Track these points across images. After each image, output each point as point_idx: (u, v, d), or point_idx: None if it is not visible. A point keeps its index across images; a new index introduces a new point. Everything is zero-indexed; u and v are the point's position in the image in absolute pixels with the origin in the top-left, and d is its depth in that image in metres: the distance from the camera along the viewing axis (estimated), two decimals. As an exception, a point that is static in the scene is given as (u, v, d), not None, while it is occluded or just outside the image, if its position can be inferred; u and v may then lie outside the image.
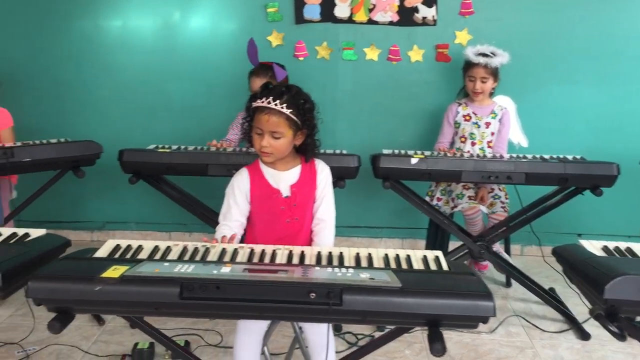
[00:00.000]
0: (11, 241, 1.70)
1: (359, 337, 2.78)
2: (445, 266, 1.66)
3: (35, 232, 1.76)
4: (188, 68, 3.78)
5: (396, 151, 2.97)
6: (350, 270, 1.56)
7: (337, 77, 3.74)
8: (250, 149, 2.28)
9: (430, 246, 3.41)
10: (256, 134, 2.03)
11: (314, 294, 1.43)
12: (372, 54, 3.70)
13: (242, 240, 2.13)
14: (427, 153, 2.94)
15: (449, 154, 2.93)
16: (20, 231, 1.76)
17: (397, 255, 1.73)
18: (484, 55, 3.22)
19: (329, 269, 1.56)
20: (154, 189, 3.06)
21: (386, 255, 1.74)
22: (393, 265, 1.68)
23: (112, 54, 3.77)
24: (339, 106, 3.76)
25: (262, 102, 1.99)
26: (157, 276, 1.48)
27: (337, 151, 2.93)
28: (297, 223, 2.09)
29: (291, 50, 3.72)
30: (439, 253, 1.75)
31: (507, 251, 3.42)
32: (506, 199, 3.24)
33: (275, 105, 1.96)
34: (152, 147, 3.01)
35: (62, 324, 1.49)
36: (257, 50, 3.24)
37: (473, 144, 3.32)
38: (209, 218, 3.18)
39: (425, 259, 1.71)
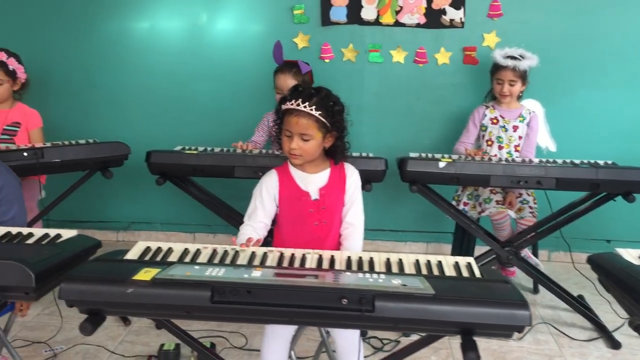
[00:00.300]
0: (43, 242, 1.71)
1: (385, 342, 2.75)
2: (477, 273, 1.63)
3: (67, 233, 1.77)
4: (214, 69, 3.79)
5: (423, 154, 2.95)
6: (382, 276, 1.54)
7: (362, 80, 3.72)
8: (279, 152, 2.27)
9: (456, 251, 3.37)
10: (285, 136, 2.02)
11: (345, 300, 1.41)
12: (398, 56, 3.68)
13: (269, 243, 2.13)
14: (455, 157, 2.90)
15: (477, 158, 2.90)
16: (52, 232, 1.77)
17: (429, 261, 1.71)
18: (513, 57, 3.18)
19: (360, 275, 1.55)
20: (178, 190, 3.07)
21: (417, 261, 1.72)
22: (424, 271, 1.66)
23: (139, 56, 3.80)
24: (364, 109, 3.74)
25: (292, 104, 1.98)
26: (188, 279, 1.48)
27: (364, 154, 2.91)
28: (325, 226, 2.08)
29: (317, 52, 3.71)
30: (471, 259, 1.72)
31: (535, 256, 3.36)
32: (534, 203, 3.19)
33: (305, 107, 1.95)
34: (178, 148, 3.02)
35: (93, 326, 1.49)
36: (282, 52, 3.23)
37: (500, 147, 3.28)
38: (233, 219, 3.18)
39: (457, 266, 1.69)
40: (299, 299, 1.44)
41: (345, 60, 3.71)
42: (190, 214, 4.01)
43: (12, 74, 3.14)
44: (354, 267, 1.69)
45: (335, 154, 2.11)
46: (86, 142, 2.94)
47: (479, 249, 3.54)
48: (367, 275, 1.54)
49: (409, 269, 1.68)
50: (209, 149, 2.99)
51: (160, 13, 3.75)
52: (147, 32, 3.78)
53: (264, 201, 2.11)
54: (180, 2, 3.72)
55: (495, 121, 3.29)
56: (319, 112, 1.98)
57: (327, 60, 3.71)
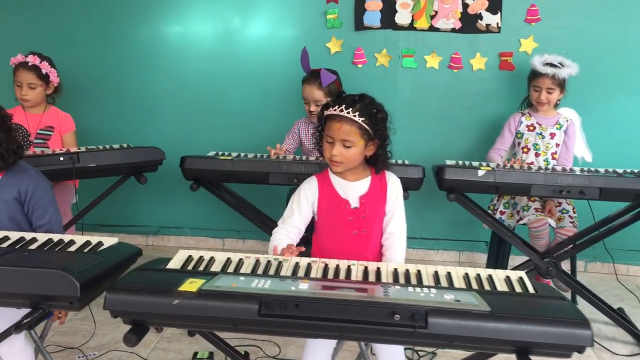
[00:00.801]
0: (85, 250, 1.68)
1: (421, 354, 2.69)
2: (531, 288, 1.57)
3: (108, 241, 1.75)
4: (246, 74, 3.76)
5: (460, 162, 2.89)
6: (433, 290, 1.49)
7: (396, 85, 3.67)
8: (320, 159, 2.23)
9: (492, 261, 3.30)
10: (327, 143, 1.99)
11: (398, 316, 1.37)
12: (432, 61, 3.62)
13: (308, 253, 2.09)
14: (493, 165, 2.84)
15: (515, 166, 2.83)
16: (94, 239, 1.74)
17: (479, 275, 1.66)
18: (552, 65, 3.10)
19: (410, 289, 1.50)
20: (208, 194, 3.03)
21: (466, 274, 1.67)
22: (475, 285, 1.61)
23: (171, 60, 3.79)
24: (396, 115, 3.63)
25: (334, 110, 1.95)
26: (235, 291, 1.44)
27: (400, 161, 2.87)
28: (365, 236, 2.04)
29: (350, 57, 3.67)
30: (522, 274, 1.66)
31: (573, 268, 3.27)
32: (574, 213, 3.11)
33: (348, 113, 1.93)
34: (211, 153, 3.00)
35: (138, 337, 1.46)
36: (309, 59, 3.19)
37: (537, 154, 3.21)
38: (266, 225, 3.15)
39: (508, 280, 1.63)
40: (349, 313, 1.39)
41: (378, 65, 3.67)
42: (219, 219, 3.99)
43: (44, 78, 3.15)
44: (402, 280, 1.64)
45: (376, 163, 2.07)
46: (120, 147, 2.92)
47: (513, 259, 3.48)
48: (417, 289, 1.50)
49: (458, 282, 1.62)
50: (242, 154, 2.97)
51: (192, 18, 3.74)
52: (180, 37, 3.77)
53: (301, 206, 2.08)
54: (212, 7, 3.71)
55: (531, 128, 3.22)
56: (362, 119, 1.94)
57: (359, 66, 3.67)
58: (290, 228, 2.05)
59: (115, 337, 2.81)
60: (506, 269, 3.33)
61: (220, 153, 2.99)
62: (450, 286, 1.59)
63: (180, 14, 3.73)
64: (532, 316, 1.36)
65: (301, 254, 1.80)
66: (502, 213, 3.16)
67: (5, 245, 1.70)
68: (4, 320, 1.80)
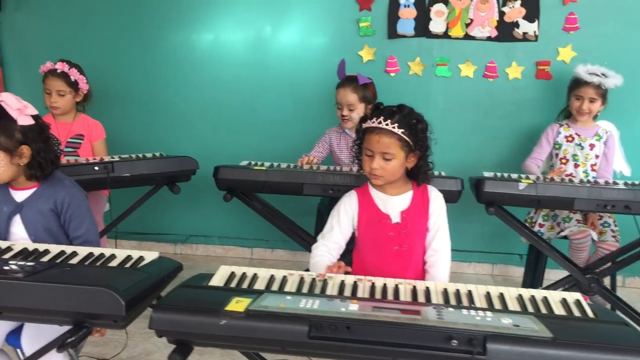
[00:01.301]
0: (126, 265, 1.65)
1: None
2: (589, 312, 1.50)
3: (149, 255, 1.70)
4: (277, 82, 3.73)
5: (498, 174, 2.82)
6: (489, 313, 1.43)
7: (429, 94, 3.61)
8: (360, 172, 2.18)
9: (529, 276, 3.21)
10: (366, 156, 1.95)
11: (456, 342, 1.31)
12: (467, 70, 3.56)
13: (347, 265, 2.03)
14: (533, 177, 2.76)
15: (556, 178, 2.75)
16: (135, 254, 1.71)
17: (533, 297, 1.59)
18: (596, 74, 3.02)
19: (464, 311, 1.44)
20: (236, 203, 2.98)
21: (520, 296, 1.60)
22: (530, 308, 1.54)
23: (202, 68, 3.77)
24: (429, 124, 3.61)
25: (373, 122, 1.91)
26: (283, 312, 1.39)
27: (436, 172, 2.80)
28: (406, 252, 1.98)
29: (382, 65, 3.62)
30: (579, 296, 1.59)
31: (613, 283, 3.18)
32: (615, 226, 3.03)
33: (387, 125, 1.88)
34: (244, 163, 2.96)
35: (182, 357, 1.42)
36: (345, 66, 3.16)
37: (576, 165, 3.12)
38: (297, 235, 3.11)
39: (565, 302, 1.56)
40: (403, 337, 1.34)
41: (411, 74, 3.61)
42: (248, 228, 3.95)
43: (74, 85, 3.12)
44: (452, 300, 1.58)
45: (417, 175, 2.01)
46: (153, 156, 2.90)
47: (548, 273, 3.39)
48: (472, 312, 1.43)
49: (512, 304, 1.55)
50: (275, 164, 2.92)
51: (224, 25, 3.71)
52: (211, 44, 3.75)
53: (341, 222, 2.03)
54: (245, 15, 3.68)
55: (570, 139, 3.14)
56: (402, 130, 1.90)
57: (392, 74, 3.62)
58: (330, 244, 2.01)
59: (146, 348, 2.78)
60: (542, 283, 3.28)
61: (253, 163, 2.95)
62: (505, 309, 1.52)
63: (212, 22, 3.71)
64: (597, 343, 1.30)
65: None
66: (541, 226, 3.08)
67: (46, 259, 1.67)
68: (42, 336, 1.77)
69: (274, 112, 3.77)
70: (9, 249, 1.73)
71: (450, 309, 1.45)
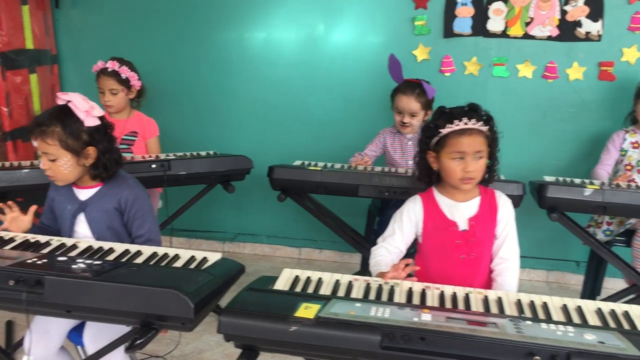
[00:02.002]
0: (190, 266, 1.63)
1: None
2: (676, 329, 1.42)
3: (212, 257, 1.69)
4: (328, 82, 3.68)
5: (560, 179, 2.72)
6: (570, 328, 1.36)
7: (485, 95, 3.51)
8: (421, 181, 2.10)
9: (589, 284, 3.10)
10: (454, 160, 1.87)
11: (538, 358, 1.24)
12: (525, 70, 3.45)
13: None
14: (598, 183, 2.66)
15: (622, 184, 2.64)
16: (198, 255, 1.69)
17: (613, 311, 1.51)
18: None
19: (544, 325, 1.37)
20: (285, 202, 2.94)
21: (599, 309, 1.52)
22: (611, 322, 1.46)
23: (253, 66, 3.75)
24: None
25: (458, 124, 1.85)
26: (354, 320, 1.35)
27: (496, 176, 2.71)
28: (474, 261, 1.91)
29: (437, 65, 3.53)
30: (662, 311, 1.51)
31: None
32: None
33: (474, 124, 1.84)
34: (297, 163, 2.93)
35: (249, 363, 1.40)
36: (401, 67, 3.08)
37: (640, 172, 2.99)
38: (349, 236, 3.07)
39: (648, 318, 1.48)
40: (481, 351, 1.29)
41: (467, 74, 3.52)
42: (296, 228, 3.93)
43: (125, 83, 3.12)
44: (527, 312, 1.51)
45: (487, 173, 1.95)
46: (207, 155, 2.89)
47: (607, 281, 3.27)
48: (552, 326, 1.37)
49: (592, 319, 1.48)
50: (329, 164, 2.89)
51: (276, 23, 3.69)
52: (263, 43, 3.72)
53: (403, 227, 1.98)
54: (298, 13, 3.64)
55: (636, 145, 3.01)
56: (486, 128, 1.89)
57: (447, 74, 3.53)
58: (391, 247, 1.96)
59: (198, 346, 2.78)
60: (600, 292, 3.16)
61: (307, 163, 2.91)
62: (584, 323, 1.45)
63: (265, 20, 3.68)
64: (692, 365, 1.22)
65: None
66: (608, 224, 2.96)
67: (111, 257, 1.66)
68: (104, 334, 1.77)
69: (325, 111, 3.72)
70: (74, 246, 1.74)
71: (528, 322, 1.39)
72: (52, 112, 1.89)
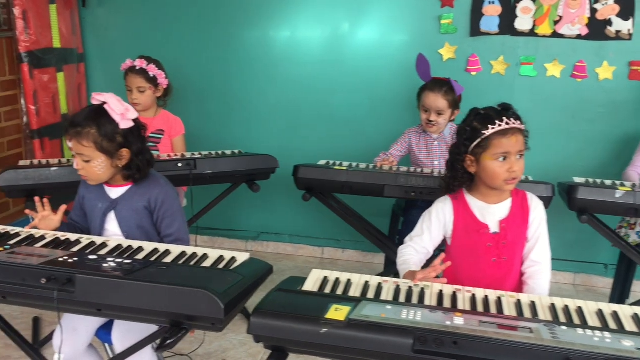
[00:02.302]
0: (219, 265, 1.62)
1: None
2: None
3: (241, 257, 1.68)
4: (353, 80, 3.66)
5: (590, 180, 2.67)
6: (606, 334, 1.33)
7: (512, 95, 3.46)
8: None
9: (618, 287, 3.04)
10: (497, 161, 1.83)
11: (575, 364, 1.22)
12: (554, 70, 3.39)
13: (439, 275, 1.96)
14: (628, 184, 2.60)
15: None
16: (227, 254, 1.69)
17: (651, 317, 1.47)
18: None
19: (579, 331, 1.34)
20: (308, 202, 2.94)
21: (636, 315, 1.49)
22: (649, 329, 1.42)
23: (278, 65, 3.74)
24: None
25: (501, 125, 1.82)
26: (386, 323, 1.34)
27: (523, 177, 2.67)
28: (505, 264, 1.89)
29: (463, 64, 3.49)
30: (702, 318, 1.47)
31: None
32: None
33: (515, 123, 1.84)
34: (322, 162, 2.92)
35: (278, 364, 1.39)
36: (430, 66, 3.06)
37: (673, 174, 2.93)
38: (373, 237, 3.05)
39: (686, 325, 1.44)
40: (515, 356, 1.27)
41: (493, 73, 3.47)
42: (319, 227, 3.91)
43: (153, 81, 3.13)
44: (562, 317, 1.48)
45: None
46: (232, 154, 2.89)
47: (635, 285, 3.21)
48: (588, 332, 1.34)
49: (628, 324, 1.45)
50: (354, 164, 2.87)
51: (301, 22, 3.67)
52: (287, 41, 3.71)
53: (432, 228, 1.95)
54: (323, 11, 3.62)
55: (666, 146, 2.95)
56: (524, 127, 1.89)
57: (473, 73, 3.49)
58: (418, 247, 1.94)
59: (222, 345, 2.79)
60: (629, 296, 3.11)
61: (331, 162, 2.90)
62: (621, 329, 1.42)
63: (290, 18, 3.67)
64: None
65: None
66: None
67: (140, 256, 1.66)
68: (132, 332, 1.78)
69: (349, 110, 3.70)
70: (103, 245, 1.74)
71: (563, 327, 1.36)
72: (88, 114, 1.90)
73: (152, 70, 3.13)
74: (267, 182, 3.12)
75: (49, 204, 1.98)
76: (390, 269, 3.15)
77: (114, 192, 2.00)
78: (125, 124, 1.89)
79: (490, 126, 1.80)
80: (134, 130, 1.94)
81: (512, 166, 1.82)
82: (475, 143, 1.84)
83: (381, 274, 2.55)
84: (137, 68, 3.08)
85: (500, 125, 1.80)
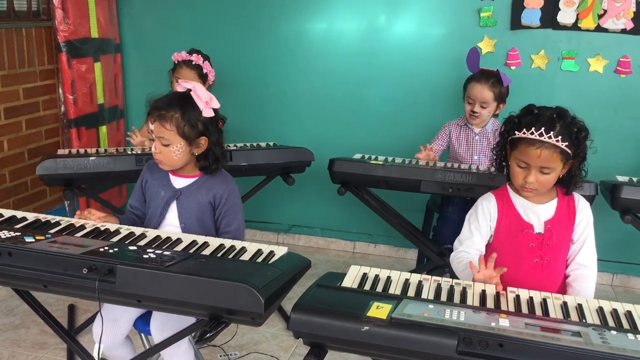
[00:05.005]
0: (257, 259, 1.61)
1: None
2: None
3: (279, 251, 1.67)
4: (389, 74, 3.61)
5: (634, 179, 2.60)
6: (660, 341, 1.28)
7: (553, 90, 3.38)
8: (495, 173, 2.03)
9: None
10: (518, 167, 1.78)
11: (627, 371, 1.17)
12: (597, 65, 3.30)
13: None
14: (674, 184, 2.52)
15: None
16: (265, 248, 1.67)
17: None
18: None
19: (630, 336, 1.30)
20: (339, 196, 2.91)
21: (689, 321, 1.43)
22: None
23: (314, 58, 3.71)
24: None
25: (532, 134, 1.72)
26: (429, 322, 1.31)
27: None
28: (547, 265, 1.83)
29: (502, 58, 3.42)
30: None
31: None
32: None
33: (549, 138, 1.70)
34: (357, 156, 2.89)
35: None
36: (479, 60, 3.00)
37: None
38: (408, 231, 3.02)
39: None
40: (564, 361, 1.22)
41: (534, 67, 3.39)
42: (350, 221, 3.88)
43: (204, 77, 3.09)
44: (610, 321, 1.43)
45: (568, 183, 1.84)
46: (267, 146, 2.88)
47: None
48: (639, 336, 1.29)
49: (681, 331, 1.39)
50: (390, 159, 2.83)
51: (337, 14, 3.64)
52: (323, 34, 3.68)
53: (480, 227, 1.89)
54: (358, 3, 3.58)
55: None
56: (565, 143, 1.72)
57: (512, 68, 3.41)
58: (471, 250, 1.86)
59: (254, 337, 2.79)
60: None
61: (367, 156, 2.87)
62: (673, 335, 1.36)
63: (326, 11, 3.64)
64: None
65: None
66: None
67: (179, 248, 1.66)
68: (170, 323, 1.78)
69: (385, 104, 3.66)
70: (142, 235, 1.74)
71: (613, 332, 1.31)
72: (173, 98, 1.92)
73: (206, 67, 3.11)
74: (300, 175, 3.11)
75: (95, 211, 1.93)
76: (424, 266, 3.12)
77: (179, 182, 1.99)
78: (207, 112, 1.90)
79: (524, 130, 1.73)
80: (214, 120, 1.95)
81: (527, 176, 1.75)
82: (510, 137, 1.79)
83: (414, 271, 2.52)
84: (194, 63, 3.06)
85: (524, 134, 1.73)
